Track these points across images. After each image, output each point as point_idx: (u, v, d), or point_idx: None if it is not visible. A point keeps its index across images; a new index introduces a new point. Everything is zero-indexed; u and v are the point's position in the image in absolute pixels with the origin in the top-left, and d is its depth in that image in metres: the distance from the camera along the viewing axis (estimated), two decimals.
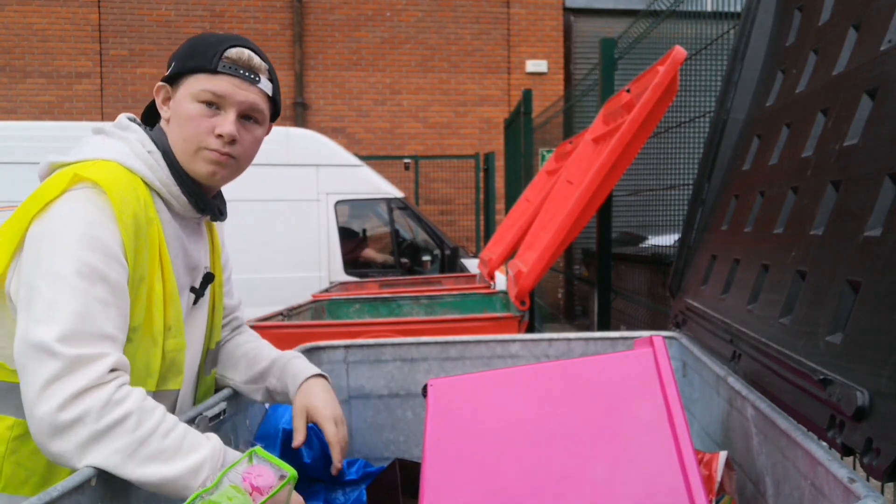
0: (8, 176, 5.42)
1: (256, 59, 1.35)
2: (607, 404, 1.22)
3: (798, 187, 1.47)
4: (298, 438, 1.44)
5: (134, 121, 1.37)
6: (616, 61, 4.01)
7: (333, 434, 1.41)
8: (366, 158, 7.52)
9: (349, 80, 9.86)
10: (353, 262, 6.41)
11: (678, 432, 1.12)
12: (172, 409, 1.33)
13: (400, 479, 1.64)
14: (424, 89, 9.98)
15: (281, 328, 3.21)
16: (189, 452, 1.10)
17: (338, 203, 6.25)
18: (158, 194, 1.30)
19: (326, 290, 4.76)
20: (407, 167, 9.43)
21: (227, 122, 1.30)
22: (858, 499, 0.87)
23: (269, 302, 4.42)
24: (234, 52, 1.32)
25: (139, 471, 1.05)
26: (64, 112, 9.32)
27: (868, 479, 1.03)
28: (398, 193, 6.50)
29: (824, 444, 1.07)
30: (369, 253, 6.54)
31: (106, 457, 1.04)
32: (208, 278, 1.43)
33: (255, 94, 1.33)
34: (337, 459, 1.42)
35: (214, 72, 1.29)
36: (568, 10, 10.16)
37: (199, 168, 1.32)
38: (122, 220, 1.18)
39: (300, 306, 3.89)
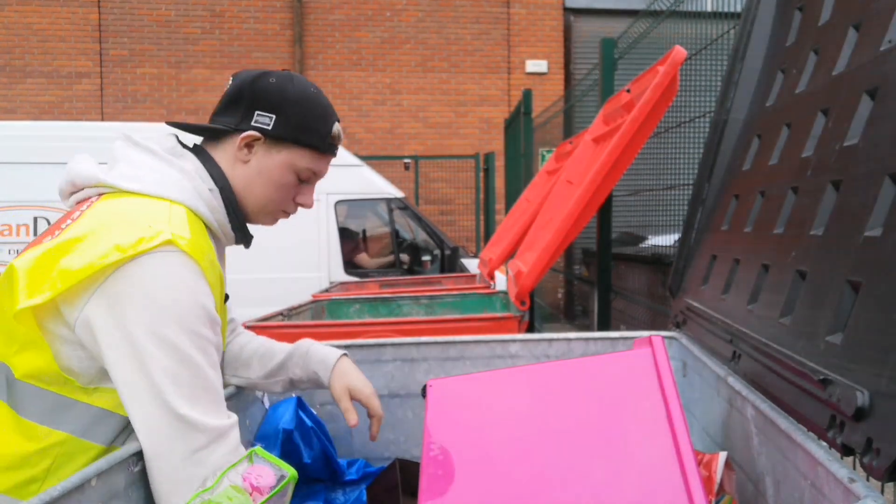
0: (8, 176, 5.42)
1: (342, 131, 1.42)
2: (606, 404, 1.22)
3: (798, 187, 1.47)
4: (352, 419, 1.49)
5: (178, 139, 1.35)
6: (616, 61, 4.01)
7: (378, 407, 1.53)
8: (366, 158, 7.52)
9: (349, 80, 9.86)
10: (353, 262, 6.41)
11: (677, 432, 1.12)
12: None
13: (400, 479, 1.64)
14: (424, 89, 9.98)
15: (281, 328, 3.20)
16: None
17: (338, 203, 6.25)
18: (212, 230, 1.31)
19: (326, 290, 4.76)
20: (407, 167, 9.43)
21: (310, 196, 1.42)
22: (858, 499, 0.87)
23: (269, 302, 4.42)
24: (336, 130, 1.38)
25: None
26: (64, 112, 9.32)
27: (868, 480, 1.02)
28: (398, 193, 6.50)
29: (824, 444, 1.07)
30: (363, 258, 6.52)
31: None
32: (225, 298, 1.41)
33: None
34: (376, 431, 1.54)
35: (322, 151, 1.36)
36: (568, 10, 10.16)
37: (265, 221, 1.40)
38: (210, 282, 1.20)
39: (300, 306, 3.89)
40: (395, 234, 6.55)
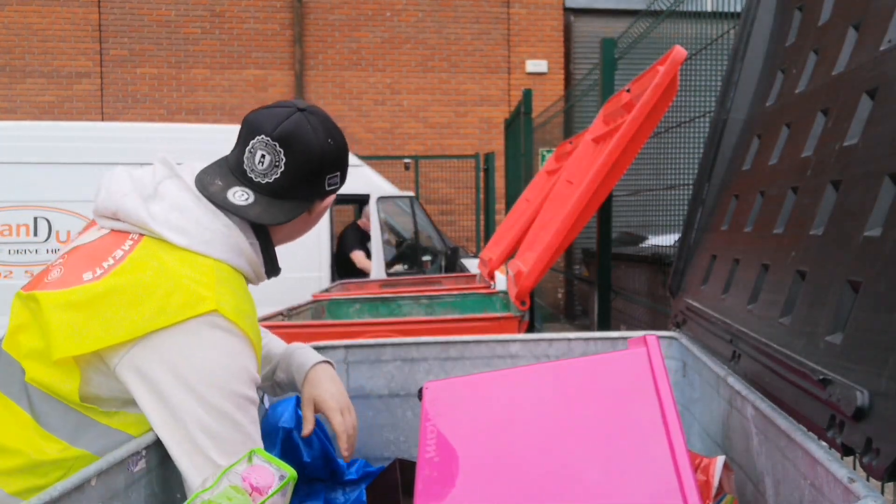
0: (8, 176, 5.43)
1: None
2: (601, 405, 1.22)
3: (798, 187, 1.47)
4: (307, 428, 1.47)
5: (243, 211, 1.31)
6: (616, 61, 4.01)
7: (339, 423, 1.44)
8: (366, 158, 7.52)
9: (349, 80, 9.86)
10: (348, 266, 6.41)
11: (672, 432, 1.12)
12: None
13: (400, 479, 1.64)
14: (424, 89, 9.98)
15: (281, 328, 3.20)
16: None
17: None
18: (248, 278, 1.34)
19: (326, 290, 4.76)
20: (407, 167, 9.43)
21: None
22: (858, 499, 0.87)
23: (269, 302, 4.42)
24: None
25: None
26: (64, 112, 9.32)
27: (868, 479, 1.03)
28: (405, 193, 6.50)
29: (824, 444, 1.07)
30: (359, 258, 6.51)
31: None
32: None
33: None
34: (343, 448, 1.44)
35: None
36: (568, 10, 10.16)
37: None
38: (252, 343, 1.23)
39: (300, 306, 3.89)
40: (396, 233, 6.56)
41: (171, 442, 1.16)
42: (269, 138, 1.28)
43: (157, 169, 1.31)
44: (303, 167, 1.31)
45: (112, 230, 1.27)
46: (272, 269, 1.40)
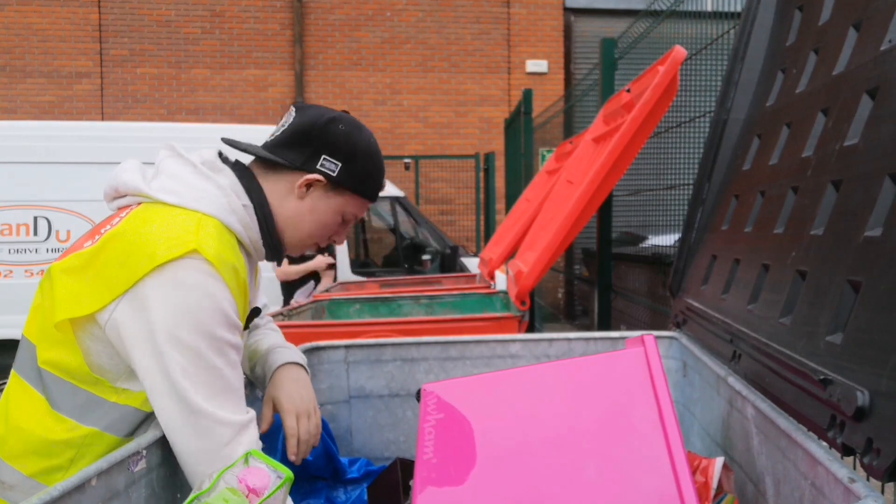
0: (8, 176, 5.42)
1: None
2: (598, 405, 1.22)
3: (798, 187, 1.47)
4: (263, 426, 1.45)
5: (220, 153, 1.38)
6: (616, 61, 4.01)
7: (290, 427, 1.42)
8: None
9: (349, 80, 9.86)
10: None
11: (669, 431, 1.12)
12: None
13: (401, 478, 1.64)
14: (424, 89, 9.98)
15: (281, 328, 3.20)
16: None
17: None
18: (243, 244, 1.34)
19: (327, 290, 4.76)
20: (407, 167, 9.43)
21: (344, 235, 1.49)
22: (859, 499, 0.87)
23: (269, 302, 4.42)
24: (385, 183, 1.47)
25: None
26: (64, 112, 9.32)
27: (868, 479, 1.03)
28: (398, 193, 6.49)
29: (824, 444, 1.07)
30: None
31: None
32: (255, 313, 1.44)
33: None
34: (290, 452, 1.41)
35: (371, 200, 1.45)
36: (568, 10, 10.16)
37: (295, 251, 1.47)
38: (232, 290, 1.23)
39: (300, 306, 3.89)
40: (396, 233, 6.56)
41: (148, 387, 1.18)
42: (292, 107, 1.41)
43: (161, 153, 1.36)
44: (300, 126, 1.36)
45: (117, 208, 1.34)
46: (274, 248, 1.39)
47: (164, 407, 1.17)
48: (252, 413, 1.25)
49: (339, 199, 1.39)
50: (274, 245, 1.39)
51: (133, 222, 1.23)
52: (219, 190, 1.29)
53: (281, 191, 1.37)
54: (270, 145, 1.38)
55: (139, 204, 1.29)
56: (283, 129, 1.38)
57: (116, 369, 1.21)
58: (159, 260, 1.16)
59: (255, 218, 1.34)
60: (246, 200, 1.33)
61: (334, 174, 1.36)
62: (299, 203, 1.37)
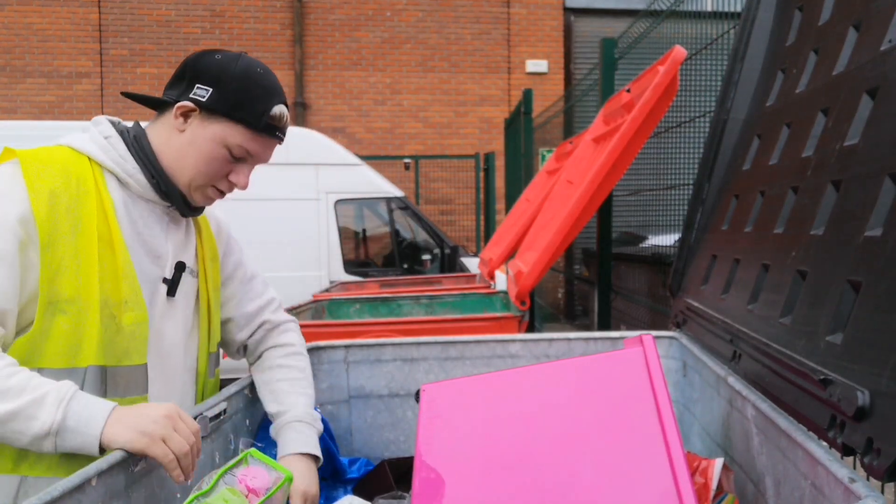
0: None
1: (288, 117, 1.40)
2: (597, 405, 1.22)
3: (798, 187, 1.47)
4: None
5: (112, 122, 1.39)
6: (616, 61, 4.01)
7: None
8: (366, 158, 7.52)
9: (349, 80, 9.86)
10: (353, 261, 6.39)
11: (667, 431, 1.12)
12: (144, 388, 1.31)
13: (392, 479, 1.64)
14: (424, 89, 9.98)
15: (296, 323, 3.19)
16: (34, 390, 1.11)
17: (338, 202, 6.25)
18: (114, 175, 1.33)
19: (326, 290, 4.76)
20: (407, 167, 9.43)
21: (244, 176, 1.39)
22: (859, 499, 0.87)
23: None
24: (277, 112, 1.36)
25: None
26: (64, 112, 9.32)
27: (868, 479, 1.02)
28: (398, 193, 6.50)
29: (825, 444, 1.07)
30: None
31: None
32: (179, 268, 1.40)
33: (275, 149, 1.42)
34: None
35: (257, 130, 1.34)
36: (568, 10, 10.16)
37: (196, 197, 1.39)
38: (33, 190, 1.22)
39: (300, 306, 3.89)
40: (395, 233, 6.56)
41: None
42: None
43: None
44: (181, 67, 1.36)
45: None
46: (165, 186, 1.35)
47: None
48: None
49: (215, 126, 1.33)
50: (161, 180, 1.35)
51: None
52: (84, 133, 1.34)
53: (166, 130, 1.36)
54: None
55: None
56: None
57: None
58: None
59: (122, 147, 1.34)
60: (109, 132, 1.34)
61: (204, 100, 1.31)
62: (180, 137, 1.34)
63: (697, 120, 3.59)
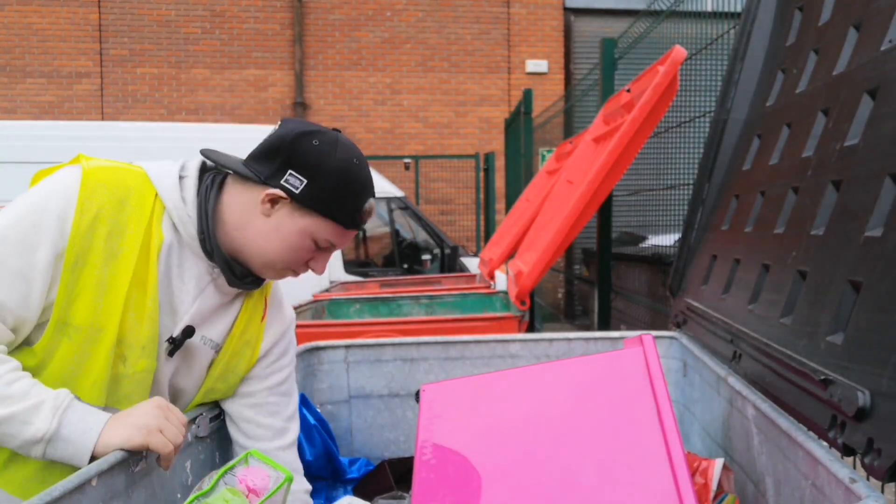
0: (8, 176, 5.42)
1: (375, 209, 1.34)
2: (597, 405, 1.22)
3: (798, 187, 1.47)
4: None
5: (203, 164, 1.32)
6: (616, 61, 4.01)
7: None
8: (366, 158, 7.51)
9: (349, 80, 9.85)
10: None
11: (667, 431, 1.12)
12: None
13: (392, 479, 1.64)
14: (424, 89, 9.98)
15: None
16: (33, 396, 1.10)
17: None
18: (170, 216, 1.26)
19: (326, 290, 4.76)
20: (407, 167, 9.43)
21: (323, 264, 1.33)
22: (860, 499, 0.87)
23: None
24: (367, 208, 1.30)
25: None
26: (64, 112, 9.32)
27: (869, 480, 1.02)
28: (398, 193, 6.49)
29: (825, 444, 1.07)
30: None
31: None
32: (187, 332, 1.28)
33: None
34: None
35: (346, 227, 1.29)
36: (568, 10, 10.15)
37: (270, 275, 1.33)
38: (80, 207, 1.18)
39: (301, 306, 3.89)
40: (395, 233, 6.55)
41: None
42: (280, 120, 1.31)
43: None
44: (275, 141, 1.26)
45: None
46: (211, 254, 1.27)
47: None
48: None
49: (306, 220, 1.26)
50: (209, 241, 1.26)
51: None
52: (172, 163, 1.29)
53: (250, 206, 1.26)
54: (247, 158, 1.30)
55: None
56: (261, 141, 1.30)
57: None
58: (45, 173, 1.20)
59: (193, 193, 1.26)
60: (189, 172, 1.28)
61: (297, 191, 1.24)
62: (265, 220, 1.26)
63: (697, 120, 3.59)
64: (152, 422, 1.13)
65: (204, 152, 1.31)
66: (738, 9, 2.83)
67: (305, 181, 1.24)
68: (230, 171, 1.30)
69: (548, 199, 3.81)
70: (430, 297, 4.23)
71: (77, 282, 1.16)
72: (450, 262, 6.27)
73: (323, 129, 1.29)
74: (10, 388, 1.08)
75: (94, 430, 1.11)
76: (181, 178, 1.28)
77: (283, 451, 1.42)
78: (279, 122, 1.31)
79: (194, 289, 1.29)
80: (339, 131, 1.32)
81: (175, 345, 1.26)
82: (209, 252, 1.27)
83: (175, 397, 1.36)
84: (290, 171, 1.24)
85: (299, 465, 1.45)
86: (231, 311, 1.35)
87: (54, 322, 1.16)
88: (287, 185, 1.24)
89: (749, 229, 1.68)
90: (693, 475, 1.23)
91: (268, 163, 1.26)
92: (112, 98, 9.46)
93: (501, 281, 4.52)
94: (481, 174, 9.47)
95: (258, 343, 1.41)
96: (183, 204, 1.25)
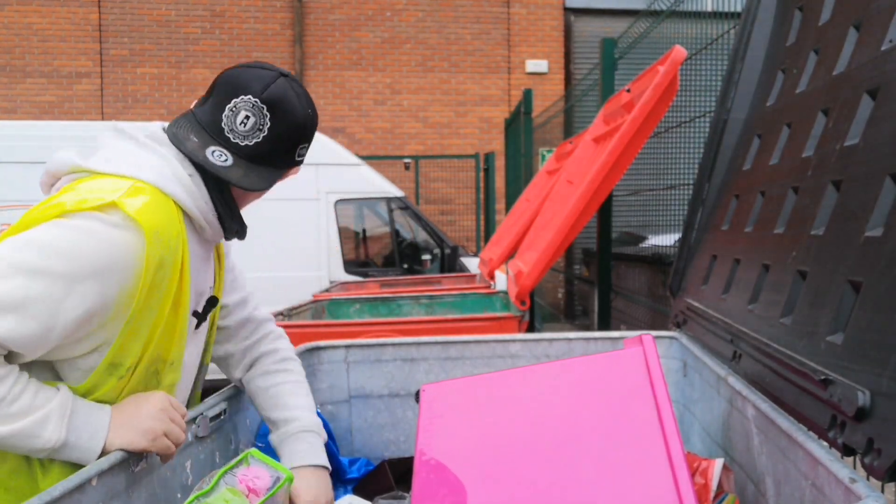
0: (8, 175, 5.42)
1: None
2: (597, 404, 1.22)
3: (799, 187, 1.47)
4: None
5: (164, 129, 1.30)
6: (616, 61, 4.01)
7: None
8: (366, 158, 7.51)
9: (349, 80, 9.85)
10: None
11: (667, 431, 1.12)
12: None
13: (392, 479, 1.64)
14: (424, 89, 9.98)
15: (282, 328, 3.19)
16: (36, 410, 1.08)
17: (338, 202, 6.25)
18: (191, 219, 1.25)
19: (326, 290, 4.76)
20: (407, 167, 9.43)
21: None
22: (860, 499, 0.87)
23: (270, 302, 4.41)
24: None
25: None
26: (64, 112, 9.32)
27: (869, 480, 1.02)
28: (398, 192, 6.50)
29: (825, 444, 1.07)
30: None
31: None
32: (212, 302, 1.35)
33: None
34: None
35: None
36: (568, 10, 10.15)
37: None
38: (148, 265, 1.13)
39: (300, 306, 3.89)
40: (395, 233, 6.56)
41: None
42: (256, 100, 1.24)
43: (104, 133, 1.30)
44: (284, 133, 1.26)
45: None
46: (234, 225, 1.31)
47: None
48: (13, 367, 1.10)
49: (293, 171, 1.36)
50: (235, 216, 1.30)
51: (58, 195, 1.17)
52: (162, 159, 1.22)
53: (267, 183, 1.30)
54: (252, 153, 1.27)
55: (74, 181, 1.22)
56: (255, 129, 1.26)
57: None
58: (67, 209, 1.09)
59: (203, 188, 1.25)
60: (191, 169, 1.24)
61: (303, 158, 1.35)
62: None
63: (697, 120, 3.59)
64: (157, 426, 1.14)
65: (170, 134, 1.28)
66: (738, 9, 2.83)
67: (307, 145, 1.33)
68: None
69: (548, 199, 3.81)
70: (430, 297, 4.24)
71: (131, 330, 1.16)
72: (450, 262, 6.27)
73: (300, 90, 1.32)
74: (10, 408, 1.06)
75: (100, 435, 1.12)
76: (190, 175, 1.25)
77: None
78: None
79: (209, 268, 1.35)
80: (289, 74, 1.32)
81: (200, 318, 1.33)
82: (232, 219, 1.30)
83: (190, 372, 1.37)
84: (299, 148, 1.32)
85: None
86: (212, 259, 1.40)
87: (105, 363, 1.16)
88: (300, 160, 1.34)
89: (749, 229, 1.68)
90: (693, 475, 1.23)
91: (286, 154, 1.30)
92: (112, 98, 9.46)
93: (501, 281, 4.53)
94: (481, 174, 9.48)
95: (225, 273, 1.47)
96: (206, 206, 1.26)
